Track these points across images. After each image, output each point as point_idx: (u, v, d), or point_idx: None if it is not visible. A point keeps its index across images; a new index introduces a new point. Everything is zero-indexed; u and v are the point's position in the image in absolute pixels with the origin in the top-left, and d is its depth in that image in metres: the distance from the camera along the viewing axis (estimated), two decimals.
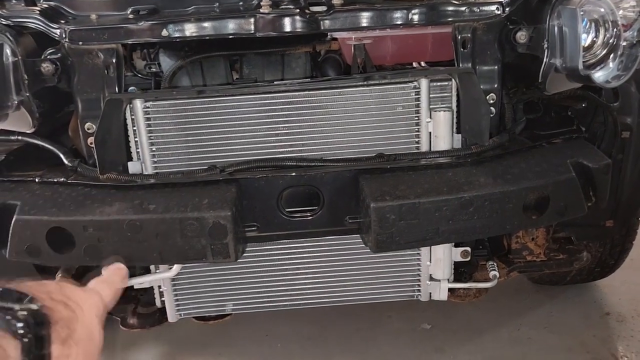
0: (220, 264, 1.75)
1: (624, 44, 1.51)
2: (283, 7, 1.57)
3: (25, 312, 0.58)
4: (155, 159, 1.61)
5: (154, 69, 1.79)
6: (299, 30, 1.55)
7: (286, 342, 2.43)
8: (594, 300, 2.61)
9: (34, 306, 0.60)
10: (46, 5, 1.64)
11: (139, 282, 1.75)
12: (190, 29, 1.56)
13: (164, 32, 1.55)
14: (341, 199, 1.55)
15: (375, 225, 1.42)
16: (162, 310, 1.85)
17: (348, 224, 1.57)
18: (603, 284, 2.65)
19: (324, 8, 1.57)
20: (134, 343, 2.44)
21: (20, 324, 0.57)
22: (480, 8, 1.60)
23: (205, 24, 1.56)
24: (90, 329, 0.68)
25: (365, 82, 1.60)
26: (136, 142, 1.60)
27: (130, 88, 1.74)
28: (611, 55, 1.55)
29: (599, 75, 1.54)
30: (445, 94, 1.64)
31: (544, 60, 1.56)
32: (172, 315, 1.84)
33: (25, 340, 0.57)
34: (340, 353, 2.35)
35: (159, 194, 1.51)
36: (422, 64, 1.92)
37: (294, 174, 1.54)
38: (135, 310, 1.87)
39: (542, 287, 2.69)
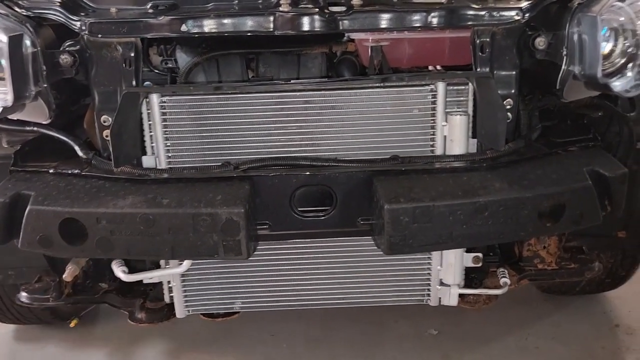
0: (231, 261, 1.74)
1: None
2: (302, 6, 1.57)
3: None
4: (169, 154, 1.62)
5: (170, 65, 1.79)
6: (318, 29, 1.55)
7: (292, 343, 2.41)
8: (604, 312, 2.58)
9: None
10: None
11: (149, 277, 1.76)
12: (209, 25, 1.56)
13: (183, 28, 1.56)
14: (354, 200, 1.55)
15: (389, 227, 1.42)
16: (170, 305, 1.85)
17: (360, 225, 1.57)
18: (613, 295, 2.62)
19: (343, 8, 1.57)
20: (140, 338, 2.43)
21: None
22: (500, 13, 1.59)
23: (225, 21, 1.56)
24: None
25: (382, 84, 1.60)
26: (151, 136, 1.61)
27: (146, 83, 1.74)
28: (630, 65, 1.53)
29: (617, 84, 1.53)
30: (462, 98, 1.63)
31: (562, 67, 1.55)
32: (180, 311, 1.84)
33: None
34: (345, 356, 2.33)
35: (173, 189, 1.51)
36: (439, 67, 1.91)
37: (307, 173, 1.54)
38: (143, 304, 1.87)
39: (551, 297, 2.66)
